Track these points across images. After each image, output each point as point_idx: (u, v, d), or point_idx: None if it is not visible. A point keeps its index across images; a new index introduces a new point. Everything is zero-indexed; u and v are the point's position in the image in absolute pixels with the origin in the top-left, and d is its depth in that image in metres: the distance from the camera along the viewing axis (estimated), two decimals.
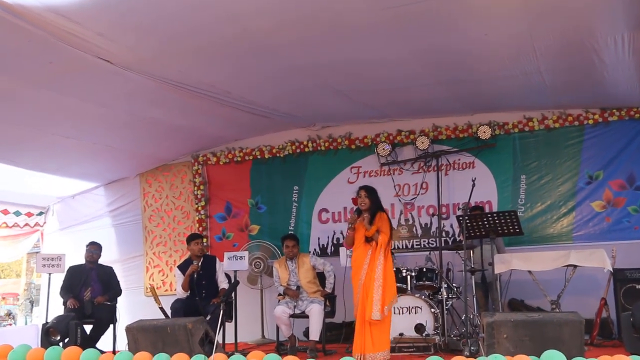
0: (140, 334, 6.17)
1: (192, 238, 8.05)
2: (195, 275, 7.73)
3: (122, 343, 6.97)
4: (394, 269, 6.53)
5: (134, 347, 6.13)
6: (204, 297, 7.65)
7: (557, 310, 6.79)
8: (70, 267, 8.27)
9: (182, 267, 7.89)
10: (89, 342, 7.40)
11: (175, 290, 8.25)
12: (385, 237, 6.23)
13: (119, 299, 8.29)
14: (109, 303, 7.99)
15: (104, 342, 7.87)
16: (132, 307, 9.14)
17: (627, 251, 7.54)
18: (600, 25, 5.65)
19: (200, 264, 7.80)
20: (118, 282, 8.44)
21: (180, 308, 7.51)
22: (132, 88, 6.79)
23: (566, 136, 8.44)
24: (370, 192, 6.46)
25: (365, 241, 6.30)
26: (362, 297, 6.17)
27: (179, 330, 5.99)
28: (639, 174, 8.11)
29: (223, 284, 7.92)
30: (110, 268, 8.50)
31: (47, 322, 7.62)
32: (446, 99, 8.01)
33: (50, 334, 7.34)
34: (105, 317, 7.84)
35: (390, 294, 6.16)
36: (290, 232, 9.12)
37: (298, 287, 7.69)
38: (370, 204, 6.39)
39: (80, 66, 6.01)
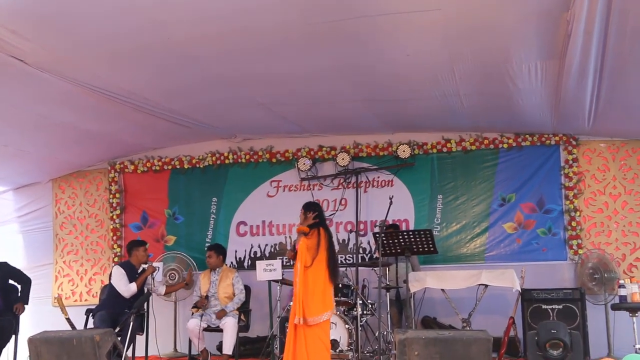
0: (43, 346, 5.90)
1: (141, 244, 7.84)
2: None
3: (24, 356, 6.67)
4: None
5: None
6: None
7: (468, 328, 6.96)
8: None
9: (125, 266, 7.62)
10: None
11: (85, 300, 7.90)
12: (299, 255, 6.34)
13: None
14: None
15: (4, 355, 7.48)
16: (38, 318, 8.73)
17: (535, 272, 7.81)
18: (515, 52, 5.84)
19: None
20: (19, 272, 7.87)
21: (108, 319, 7.22)
22: (47, 90, 6.52)
23: (482, 159, 8.68)
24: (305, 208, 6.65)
25: None
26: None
27: (86, 343, 5.76)
28: (548, 197, 8.41)
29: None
30: (5, 263, 7.80)
31: None
32: (368, 117, 8.10)
33: None
34: (6, 328, 7.44)
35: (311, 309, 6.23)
36: (207, 243, 9.00)
37: (211, 297, 7.65)
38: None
39: None
